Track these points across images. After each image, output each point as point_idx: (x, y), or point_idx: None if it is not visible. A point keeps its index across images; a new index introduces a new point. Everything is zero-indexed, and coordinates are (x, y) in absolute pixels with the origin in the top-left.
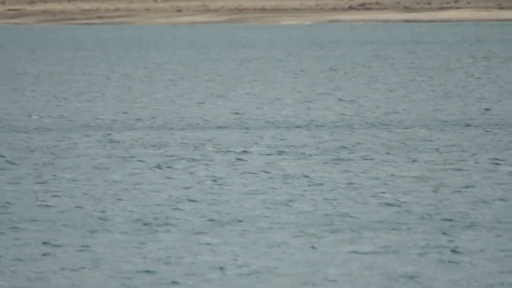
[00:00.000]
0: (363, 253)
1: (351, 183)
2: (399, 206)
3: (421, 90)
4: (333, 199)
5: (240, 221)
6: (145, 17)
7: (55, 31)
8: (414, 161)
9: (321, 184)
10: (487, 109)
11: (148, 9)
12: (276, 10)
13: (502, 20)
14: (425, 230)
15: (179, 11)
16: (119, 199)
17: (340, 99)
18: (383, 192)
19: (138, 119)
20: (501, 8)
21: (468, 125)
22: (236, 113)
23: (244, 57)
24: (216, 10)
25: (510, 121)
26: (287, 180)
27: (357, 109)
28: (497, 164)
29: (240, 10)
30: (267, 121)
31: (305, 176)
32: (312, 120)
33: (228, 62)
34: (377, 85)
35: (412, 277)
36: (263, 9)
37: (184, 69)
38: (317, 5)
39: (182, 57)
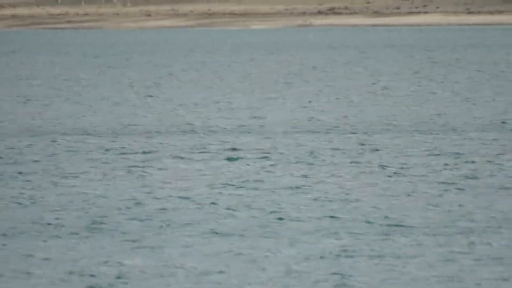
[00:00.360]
0: (302, 257)
1: (297, 187)
2: (345, 210)
3: (376, 95)
4: (277, 203)
5: (185, 224)
6: (114, 22)
7: (26, 36)
8: (361, 165)
9: (268, 189)
10: (439, 114)
11: (117, 14)
12: (245, 14)
13: (470, 25)
14: (368, 234)
15: (148, 15)
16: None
17: (296, 104)
18: (328, 197)
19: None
20: (470, 13)
21: (420, 130)
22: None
23: (203, 62)
24: (185, 15)
25: (462, 126)
26: (230, 185)
27: (308, 114)
28: (445, 169)
29: (209, 14)
30: (217, 125)
31: (247, 181)
32: (262, 126)
33: (183, 66)
34: (331, 90)
35: (344, 280)
36: (232, 14)
37: (135, 74)
38: (287, 9)
39: (133, 61)
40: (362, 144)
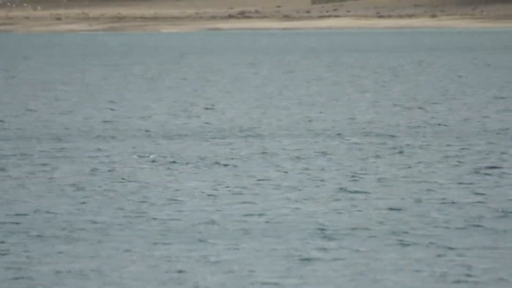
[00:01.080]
0: (224, 260)
1: (211, 194)
2: (264, 214)
3: (288, 99)
4: (198, 208)
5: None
6: (24, 25)
7: None
8: (279, 169)
9: (178, 190)
10: (353, 118)
11: (28, 17)
12: (156, 18)
13: (380, 28)
14: (289, 239)
15: (59, 19)
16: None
17: (205, 108)
18: (245, 199)
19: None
20: (380, 17)
21: (337, 134)
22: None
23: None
24: (96, 18)
25: (376, 130)
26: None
27: (219, 118)
28: (358, 174)
29: (119, 18)
30: (120, 130)
31: (158, 185)
32: (170, 129)
33: (94, 70)
34: (242, 94)
35: (267, 284)
36: (143, 18)
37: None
38: (197, 13)
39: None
40: (274, 148)
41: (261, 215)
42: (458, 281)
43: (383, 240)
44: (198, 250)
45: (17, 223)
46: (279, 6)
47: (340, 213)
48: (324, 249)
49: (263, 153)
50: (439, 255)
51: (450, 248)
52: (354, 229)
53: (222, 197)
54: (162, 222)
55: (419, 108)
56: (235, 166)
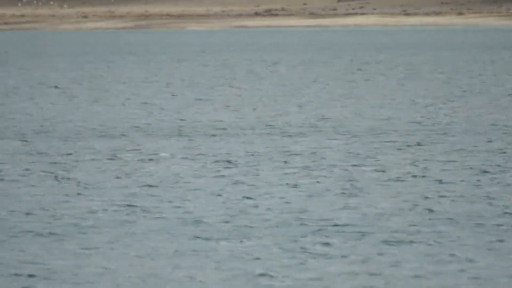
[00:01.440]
0: (229, 256)
1: (220, 190)
2: (271, 209)
3: (305, 96)
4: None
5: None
6: (51, 23)
7: None
8: (289, 166)
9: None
10: (368, 116)
11: (54, 15)
12: (182, 16)
13: (406, 26)
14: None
15: (85, 17)
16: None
17: (226, 106)
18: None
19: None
20: (407, 14)
21: (348, 131)
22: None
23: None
24: (122, 16)
25: (389, 127)
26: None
27: (232, 115)
28: (368, 171)
29: (146, 16)
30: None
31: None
32: (183, 126)
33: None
34: (255, 92)
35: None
36: (169, 15)
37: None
38: (223, 11)
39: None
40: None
41: (268, 209)
42: (462, 278)
43: (387, 237)
44: (203, 246)
45: (35, 221)
46: (305, 4)
47: (347, 209)
48: (330, 245)
49: (274, 150)
50: (443, 253)
51: (454, 246)
52: (359, 226)
53: (231, 193)
54: (170, 217)
55: (433, 106)
56: (246, 163)
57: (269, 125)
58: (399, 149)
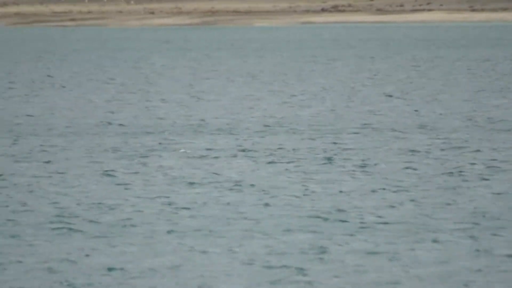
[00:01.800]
0: (239, 252)
1: (235, 185)
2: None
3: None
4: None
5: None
6: (117, 19)
7: (29, 33)
8: (301, 163)
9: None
10: (413, 114)
11: (121, 12)
12: (249, 12)
13: (473, 22)
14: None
15: (152, 13)
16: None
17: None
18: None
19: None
20: (473, 10)
21: (373, 129)
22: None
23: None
24: (188, 13)
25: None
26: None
27: (258, 113)
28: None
29: (213, 12)
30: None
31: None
32: (232, 124)
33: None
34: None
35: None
36: (236, 12)
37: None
38: (290, 7)
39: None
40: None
41: (274, 206)
42: (465, 278)
43: (392, 236)
44: (215, 241)
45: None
46: (372, 0)
47: (350, 207)
48: (341, 243)
49: (286, 148)
50: (446, 252)
51: (457, 245)
52: (364, 224)
53: (242, 188)
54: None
55: (471, 101)
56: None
57: (319, 123)
58: (453, 146)
